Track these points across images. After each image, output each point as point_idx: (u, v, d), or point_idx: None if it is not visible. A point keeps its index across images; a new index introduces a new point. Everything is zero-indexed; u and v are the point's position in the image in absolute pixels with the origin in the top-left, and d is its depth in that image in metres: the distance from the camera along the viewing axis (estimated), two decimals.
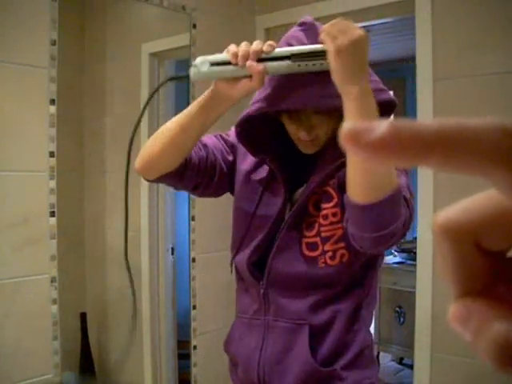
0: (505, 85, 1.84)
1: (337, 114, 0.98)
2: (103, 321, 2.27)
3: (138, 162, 1.11)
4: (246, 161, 1.18)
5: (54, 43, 1.82)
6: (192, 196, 2.32)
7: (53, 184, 1.83)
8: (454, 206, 0.20)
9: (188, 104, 1.09)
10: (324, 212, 1.07)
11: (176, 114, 1.10)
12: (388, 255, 3.73)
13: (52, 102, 1.82)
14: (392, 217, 0.89)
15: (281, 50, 0.96)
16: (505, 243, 0.20)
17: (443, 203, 1.96)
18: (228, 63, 0.95)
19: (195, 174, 1.12)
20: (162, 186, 2.35)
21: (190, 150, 1.09)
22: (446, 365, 1.96)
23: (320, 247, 1.06)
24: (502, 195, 0.19)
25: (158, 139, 1.08)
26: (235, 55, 0.94)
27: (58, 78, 1.83)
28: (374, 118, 0.87)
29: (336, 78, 0.87)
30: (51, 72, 1.82)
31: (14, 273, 1.74)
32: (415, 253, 2.28)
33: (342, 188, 1.01)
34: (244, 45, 0.95)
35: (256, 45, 0.94)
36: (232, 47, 0.96)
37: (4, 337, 1.71)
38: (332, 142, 1.08)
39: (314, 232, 1.07)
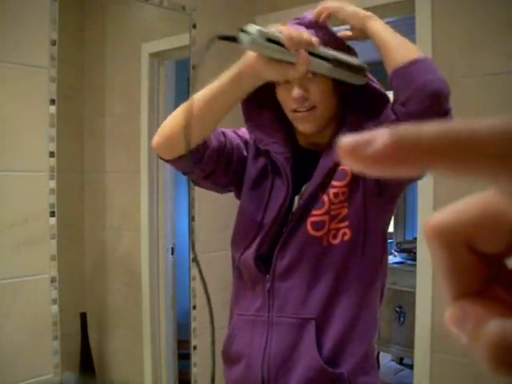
0: (505, 85, 1.84)
1: (330, 79, 1.05)
2: (103, 321, 2.28)
3: (156, 139, 1.06)
4: (258, 162, 1.17)
5: (54, 43, 1.82)
6: (192, 196, 2.32)
7: (53, 184, 1.83)
8: (445, 208, 0.20)
9: None
10: (335, 190, 1.07)
11: None
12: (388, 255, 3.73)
13: (52, 102, 1.82)
14: (431, 70, 0.98)
15: (325, 51, 0.99)
16: (498, 245, 0.19)
17: (443, 203, 1.95)
18: (278, 43, 0.93)
19: (214, 160, 1.10)
20: (161, 186, 2.36)
21: (212, 128, 1.06)
22: (446, 365, 1.96)
23: (326, 226, 1.06)
24: (503, 199, 0.18)
25: (180, 114, 1.05)
26: (290, 39, 0.94)
27: (58, 78, 1.83)
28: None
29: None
30: (51, 72, 1.82)
31: (14, 273, 1.74)
32: (415, 253, 2.28)
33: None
34: (296, 32, 0.95)
35: (307, 36, 0.96)
36: (285, 29, 0.95)
37: (4, 337, 1.71)
38: (333, 139, 1.09)
39: (323, 210, 1.07)
